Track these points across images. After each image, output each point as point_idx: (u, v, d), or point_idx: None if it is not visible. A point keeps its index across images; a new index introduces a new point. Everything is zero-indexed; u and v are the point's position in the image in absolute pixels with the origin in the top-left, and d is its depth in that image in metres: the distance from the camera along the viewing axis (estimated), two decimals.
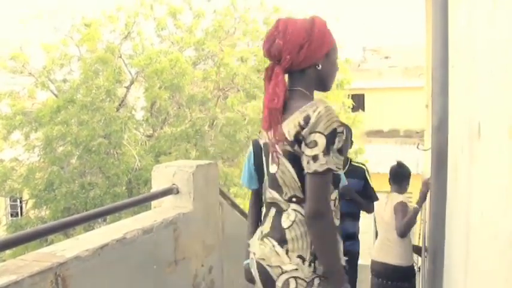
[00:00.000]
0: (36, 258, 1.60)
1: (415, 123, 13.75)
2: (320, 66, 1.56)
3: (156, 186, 2.50)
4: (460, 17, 1.56)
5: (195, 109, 10.56)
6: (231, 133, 10.07)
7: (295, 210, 1.54)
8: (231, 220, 3.01)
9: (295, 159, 1.50)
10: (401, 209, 3.33)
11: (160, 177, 2.51)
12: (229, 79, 10.73)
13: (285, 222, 1.55)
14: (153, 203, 2.51)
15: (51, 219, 9.04)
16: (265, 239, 1.60)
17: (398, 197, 3.45)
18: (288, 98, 1.54)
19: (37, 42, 10.80)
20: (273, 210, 1.63)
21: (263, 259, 1.58)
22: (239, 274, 2.30)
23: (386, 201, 3.54)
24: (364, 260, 3.87)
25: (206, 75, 10.79)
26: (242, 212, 3.27)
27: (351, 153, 4.96)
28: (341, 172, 1.95)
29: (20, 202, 12.73)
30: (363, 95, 15.80)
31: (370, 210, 3.31)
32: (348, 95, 12.02)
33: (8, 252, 4.43)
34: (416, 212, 3.28)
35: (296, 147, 1.49)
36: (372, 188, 3.24)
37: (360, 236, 3.33)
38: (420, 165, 8.74)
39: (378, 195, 3.29)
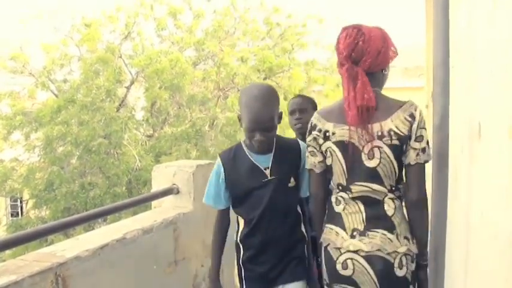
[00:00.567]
0: (36, 258, 1.60)
1: None
2: (385, 71, 1.76)
3: (156, 186, 2.50)
4: (460, 17, 1.56)
5: (195, 109, 10.58)
6: (231, 133, 10.08)
7: (392, 198, 1.68)
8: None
9: (398, 152, 1.64)
10: None
11: (161, 177, 2.52)
12: (229, 79, 10.75)
13: (389, 210, 1.68)
14: (153, 203, 2.51)
15: (51, 219, 9.05)
16: (368, 232, 1.67)
17: None
18: None
19: (37, 42, 10.81)
20: (360, 205, 1.70)
21: (378, 250, 1.65)
22: None
23: None
24: None
25: (206, 75, 10.80)
26: None
27: None
28: None
29: (20, 202, 12.75)
30: None
31: None
32: None
33: (8, 252, 4.43)
34: None
35: (404, 141, 1.63)
36: None
37: None
38: None
39: None
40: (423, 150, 1.64)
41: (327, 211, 1.80)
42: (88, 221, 2.16)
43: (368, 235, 1.66)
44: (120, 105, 10.62)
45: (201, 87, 11.06)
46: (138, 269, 2.03)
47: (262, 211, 1.82)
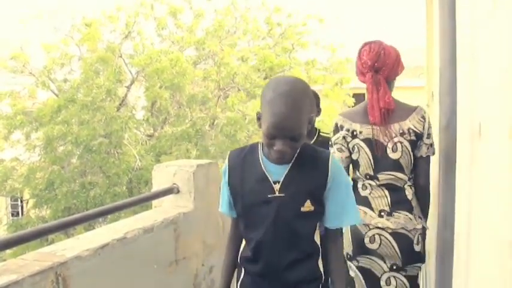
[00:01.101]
0: (36, 257, 1.60)
1: None
2: (395, 81, 2.12)
3: (157, 186, 2.50)
4: (464, 17, 1.56)
5: (196, 109, 10.58)
6: (231, 133, 10.08)
7: (410, 185, 2.07)
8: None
9: (414, 147, 2.03)
10: None
11: (161, 176, 2.51)
12: (229, 78, 10.75)
13: (409, 195, 2.05)
14: (154, 202, 2.51)
15: (52, 218, 9.06)
16: (394, 213, 2.02)
17: None
18: None
19: (37, 42, 10.83)
20: (385, 190, 2.05)
21: (402, 228, 2.01)
22: None
23: None
24: None
25: (206, 75, 10.81)
26: None
27: None
28: None
29: (21, 202, 12.75)
30: (363, 94, 15.77)
31: None
32: (349, 94, 12.04)
33: (8, 251, 4.43)
34: None
35: (420, 137, 2.02)
36: None
37: None
38: None
39: None
40: (431, 145, 2.05)
41: None
42: (88, 221, 2.16)
43: (394, 215, 2.02)
44: (120, 104, 10.62)
45: (201, 86, 11.07)
46: (139, 269, 2.03)
47: (264, 234, 1.45)
